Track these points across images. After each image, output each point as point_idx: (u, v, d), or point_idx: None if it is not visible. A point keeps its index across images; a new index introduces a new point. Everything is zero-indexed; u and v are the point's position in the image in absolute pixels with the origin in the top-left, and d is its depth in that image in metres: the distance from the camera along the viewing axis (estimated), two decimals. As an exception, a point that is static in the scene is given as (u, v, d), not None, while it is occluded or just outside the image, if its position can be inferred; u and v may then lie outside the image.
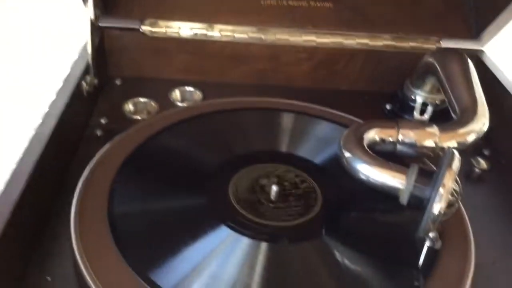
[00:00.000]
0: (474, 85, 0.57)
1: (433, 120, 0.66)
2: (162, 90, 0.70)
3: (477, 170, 0.60)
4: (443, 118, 0.66)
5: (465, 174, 0.60)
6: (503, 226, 0.53)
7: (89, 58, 0.60)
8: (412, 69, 0.71)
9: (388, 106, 0.71)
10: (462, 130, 0.52)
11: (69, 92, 0.56)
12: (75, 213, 0.47)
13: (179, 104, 0.69)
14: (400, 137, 0.51)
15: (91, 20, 0.59)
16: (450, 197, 0.42)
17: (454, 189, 0.42)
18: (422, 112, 0.67)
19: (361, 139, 0.50)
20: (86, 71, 0.61)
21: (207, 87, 0.72)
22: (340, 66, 0.74)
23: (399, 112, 0.69)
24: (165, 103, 0.68)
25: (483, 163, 0.60)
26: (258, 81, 0.75)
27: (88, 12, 0.59)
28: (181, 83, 0.72)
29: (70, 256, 0.45)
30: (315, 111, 0.65)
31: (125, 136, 0.57)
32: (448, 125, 0.53)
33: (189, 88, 0.71)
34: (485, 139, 0.64)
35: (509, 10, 0.66)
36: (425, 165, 0.55)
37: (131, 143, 0.56)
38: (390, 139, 0.51)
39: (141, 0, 0.70)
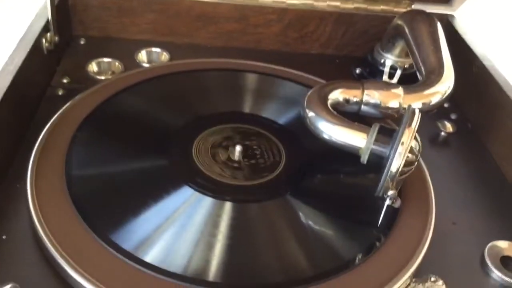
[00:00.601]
0: (442, 47, 0.57)
1: (402, 83, 0.66)
2: (128, 51, 0.68)
3: (443, 133, 0.60)
4: (412, 82, 0.66)
5: (431, 137, 0.60)
6: (465, 188, 0.54)
7: (49, 14, 0.58)
8: (382, 33, 0.71)
9: (357, 70, 0.70)
10: (427, 92, 0.52)
11: (27, 48, 0.54)
12: (32, 172, 0.46)
13: (145, 65, 0.67)
14: (365, 98, 0.51)
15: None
16: (409, 154, 0.41)
17: (413, 147, 0.42)
18: (391, 75, 0.66)
19: (325, 98, 0.49)
20: (46, 28, 0.59)
21: (174, 48, 0.70)
22: (310, 28, 0.73)
23: (369, 76, 0.69)
24: (131, 64, 0.66)
25: (449, 126, 0.61)
26: (226, 43, 0.73)
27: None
28: (148, 44, 0.70)
29: (27, 216, 0.44)
30: (280, 73, 0.64)
31: (86, 95, 0.55)
32: (413, 86, 0.53)
33: (156, 49, 0.70)
34: (452, 103, 0.64)
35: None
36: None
37: (92, 102, 0.54)
38: (355, 99, 0.51)
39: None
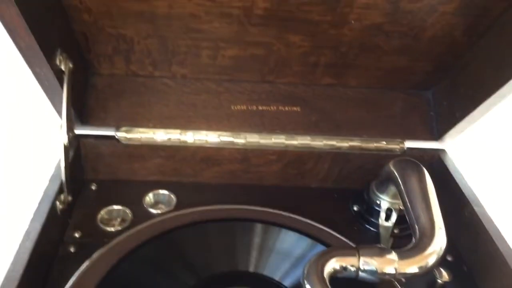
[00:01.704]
0: (432, 203, 0.60)
1: (398, 223, 0.70)
2: (136, 195, 0.72)
3: (439, 281, 0.62)
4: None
5: (428, 285, 0.63)
6: None
7: (63, 177, 0.62)
8: (378, 168, 0.74)
9: (355, 208, 0.74)
10: (419, 257, 0.55)
11: (42, 217, 0.58)
12: None
13: (152, 210, 0.71)
14: (362, 265, 0.54)
15: (64, 144, 0.61)
16: None
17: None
18: (388, 217, 0.70)
19: (323, 271, 0.52)
20: (60, 190, 0.63)
21: (180, 187, 0.74)
22: (309, 166, 0.77)
23: (366, 215, 0.72)
24: (139, 209, 0.70)
25: (445, 275, 0.63)
26: (230, 180, 0.77)
27: (62, 135, 0.61)
28: (155, 185, 0.74)
29: None
30: (286, 221, 0.66)
31: (91, 265, 0.57)
32: (406, 250, 0.55)
33: (163, 192, 0.74)
34: (448, 243, 0.67)
35: (467, 120, 0.69)
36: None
37: (99, 270, 0.57)
38: (352, 268, 0.53)
39: (116, 109, 0.72)
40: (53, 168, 0.66)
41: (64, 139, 0.61)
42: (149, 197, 0.73)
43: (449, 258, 0.66)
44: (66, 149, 0.61)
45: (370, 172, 0.76)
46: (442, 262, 0.64)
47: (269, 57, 0.69)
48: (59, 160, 0.64)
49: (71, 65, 0.61)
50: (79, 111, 0.71)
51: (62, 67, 0.60)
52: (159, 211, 0.71)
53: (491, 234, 0.62)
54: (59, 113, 0.63)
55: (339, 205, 0.76)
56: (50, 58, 0.57)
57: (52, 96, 0.63)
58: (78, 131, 0.71)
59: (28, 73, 0.59)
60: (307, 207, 0.70)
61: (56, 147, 0.63)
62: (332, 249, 0.55)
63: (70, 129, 0.62)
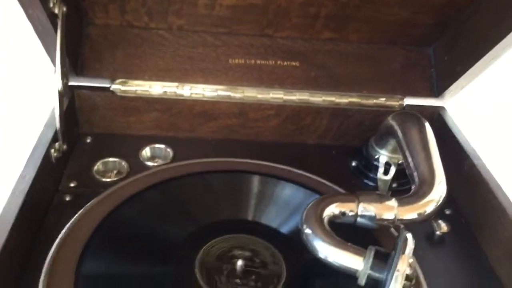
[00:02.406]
0: (432, 153, 0.59)
1: (396, 177, 0.69)
2: (133, 148, 0.71)
3: (438, 232, 0.62)
4: (406, 176, 0.69)
5: (426, 236, 0.62)
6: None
7: (57, 125, 0.61)
8: (377, 124, 0.74)
9: (353, 163, 0.73)
10: (420, 203, 0.54)
11: (37, 163, 0.57)
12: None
13: (149, 163, 0.70)
14: (360, 210, 0.53)
15: (58, 90, 0.59)
16: (404, 281, 0.43)
17: (408, 274, 0.44)
18: (386, 171, 0.69)
19: (321, 215, 0.51)
20: (54, 138, 0.61)
21: (178, 143, 0.73)
22: (307, 121, 0.76)
23: (364, 170, 0.71)
24: (135, 162, 0.69)
25: (443, 226, 0.62)
26: (227, 135, 0.76)
27: (55, 81, 0.59)
28: (151, 140, 0.73)
29: None
30: (283, 173, 0.66)
31: (90, 209, 0.57)
32: (407, 197, 0.55)
33: (160, 145, 0.72)
34: (446, 198, 0.67)
35: (466, 75, 0.69)
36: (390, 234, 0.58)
37: (99, 214, 0.56)
38: (350, 213, 0.53)
39: (111, 60, 0.71)
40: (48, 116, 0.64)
41: (58, 84, 0.59)
42: (146, 151, 0.72)
43: (447, 212, 0.66)
44: (60, 95, 0.60)
45: (369, 129, 0.76)
46: (440, 215, 0.64)
47: (268, 7, 0.68)
48: (54, 108, 0.63)
49: (65, 9, 0.59)
50: (74, 62, 0.69)
51: (56, 11, 0.58)
52: (155, 165, 0.70)
53: (491, 185, 0.61)
54: (53, 60, 0.62)
55: (337, 161, 0.75)
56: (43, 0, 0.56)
57: (46, 42, 0.62)
58: (73, 83, 0.70)
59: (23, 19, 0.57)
60: (305, 163, 0.70)
61: (51, 95, 0.61)
62: (332, 194, 0.55)
63: (64, 75, 0.60)
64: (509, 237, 0.57)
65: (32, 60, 0.80)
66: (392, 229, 0.59)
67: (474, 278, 0.58)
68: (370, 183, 0.71)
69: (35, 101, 0.79)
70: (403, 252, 0.44)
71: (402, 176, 0.69)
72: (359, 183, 0.71)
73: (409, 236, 0.46)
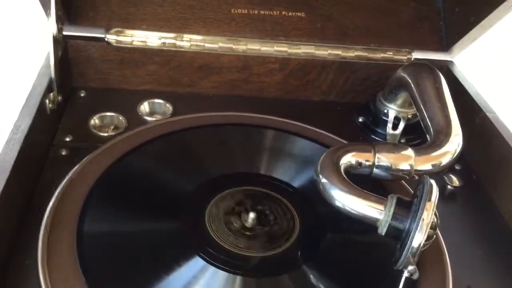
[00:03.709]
0: (448, 103, 0.57)
1: (405, 133, 0.67)
2: (130, 103, 0.67)
3: (449, 187, 0.60)
4: (415, 132, 0.67)
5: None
6: (476, 247, 0.54)
7: (52, 74, 0.57)
8: (383, 80, 0.71)
9: (360, 119, 0.71)
10: (436, 153, 0.52)
11: (32, 113, 0.53)
12: (43, 244, 0.45)
13: (148, 118, 0.66)
14: (377, 161, 0.51)
15: (53, 34, 0.55)
16: (430, 230, 0.41)
17: (433, 222, 0.42)
18: (395, 126, 0.67)
19: (338, 164, 0.49)
20: (49, 88, 0.58)
21: (177, 98, 0.70)
22: (312, 76, 0.73)
23: (372, 125, 0.69)
24: (133, 117, 0.66)
25: (455, 180, 0.61)
26: (229, 91, 0.73)
27: (50, 25, 0.55)
28: (149, 95, 0.69)
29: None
30: (294, 128, 0.63)
31: (94, 158, 0.54)
32: (423, 147, 0.53)
33: (158, 101, 0.69)
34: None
35: (479, 26, 0.66)
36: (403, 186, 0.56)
37: (100, 166, 0.53)
38: (367, 163, 0.51)
39: (106, 8, 0.67)
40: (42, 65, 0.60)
41: (53, 28, 0.55)
42: (144, 106, 0.68)
43: (457, 167, 0.64)
44: (55, 41, 0.56)
45: (375, 85, 0.73)
46: (450, 170, 0.63)
47: (274, -48, 0.64)
48: (48, 55, 0.59)
49: None
50: (67, 9, 0.65)
51: None
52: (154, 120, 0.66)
53: (505, 137, 0.59)
54: (47, 5, 0.57)
55: (343, 117, 0.72)
56: None
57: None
58: (65, 32, 0.65)
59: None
60: (310, 119, 0.67)
61: (44, 42, 0.57)
62: (348, 144, 0.52)
63: (59, 19, 0.56)
64: (525, 189, 0.55)
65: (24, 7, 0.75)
66: (404, 182, 0.58)
67: (488, 232, 0.56)
68: (378, 139, 0.68)
69: (28, 49, 0.74)
70: (429, 200, 0.42)
71: (411, 132, 0.67)
72: (367, 139, 0.69)
73: (434, 183, 0.43)
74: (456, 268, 0.49)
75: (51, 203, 0.48)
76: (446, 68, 0.73)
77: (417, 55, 0.73)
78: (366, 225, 0.46)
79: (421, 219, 0.41)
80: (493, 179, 0.61)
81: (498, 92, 0.71)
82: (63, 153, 0.58)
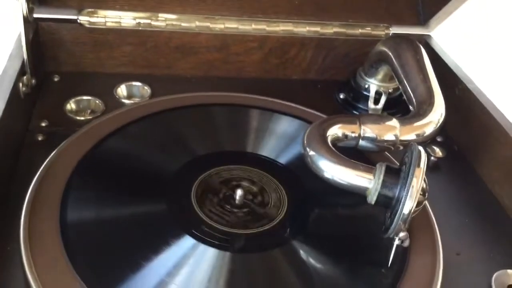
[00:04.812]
0: (429, 74, 0.57)
1: (386, 108, 0.67)
2: (106, 86, 0.65)
3: (433, 158, 0.61)
4: (396, 106, 0.67)
5: (421, 162, 0.61)
6: (462, 216, 0.54)
7: (25, 55, 0.55)
8: (362, 56, 0.71)
9: (341, 96, 0.70)
10: (420, 123, 0.52)
11: (5, 97, 0.51)
12: (24, 229, 0.43)
13: (126, 101, 0.64)
14: (362, 132, 0.51)
15: (23, 15, 0.53)
16: (420, 196, 0.41)
17: (423, 187, 0.42)
18: (376, 101, 0.67)
19: (324, 136, 0.49)
20: (22, 71, 0.55)
21: (154, 80, 0.68)
22: (291, 54, 0.72)
23: (353, 101, 0.69)
24: (111, 100, 0.64)
25: (438, 151, 0.61)
26: (207, 72, 0.71)
27: (20, 5, 0.53)
28: (125, 78, 0.67)
29: (22, 277, 0.41)
30: (276, 106, 0.63)
31: (74, 140, 0.52)
32: (407, 118, 0.53)
33: (136, 83, 0.67)
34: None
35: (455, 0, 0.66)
36: (385, 158, 0.55)
37: (81, 148, 0.52)
38: (353, 134, 0.50)
39: (77, -12, 0.65)
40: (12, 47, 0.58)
41: (23, 8, 0.53)
42: (121, 89, 0.66)
43: (438, 139, 0.64)
44: (26, 21, 0.53)
45: (354, 61, 0.73)
46: (432, 142, 0.63)
47: None
48: (17, 39, 0.56)
49: None
50: (36, -10, 0.62)
51: None
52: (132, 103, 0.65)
53: (486, 106, 0.60)
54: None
55: (323, 95, 0.72)
56: None
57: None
58: (36, 15, 0.63)
59: None
60: (290, 98, 0.66)
61: (14, 22, 0.55)
62: (333, 116, 0.51)
63: (29, -1, 0.54)
64: (509, 157, 0.56)
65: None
66: (388, 154, 0.57)
67: (474, 201, 0.56)
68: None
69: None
70: (418, 165, 0.41)
71: (391, 106, 0.67)
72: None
73: (422, 150, 0.43)
74: (444, 236, 0.49)
75: (30, 189, 0.46)
76: (424, 42, 0.73)
77: (395, 30, 0.73)
78: (354, 197, 0.46)
79: (411, 185, 0.41)
80: (474, 149, 0.62)
81: (475, 64, 0.72)
82: (39, 138, 0.56)
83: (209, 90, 0.66)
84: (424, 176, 0.42)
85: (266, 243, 0.46)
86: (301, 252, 0.46)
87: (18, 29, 0.53)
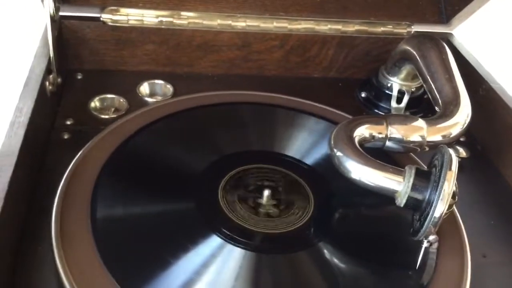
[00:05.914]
0: (454, 74, 0.57)
1: (407, 107, 0.67)
2: (129, 84, 0.66)
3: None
4: (418, 105, 0.67)
5: (445, 162, 0.60)
6: (488, 217, 0.54)
7: (51, 54, 0.55)
8: (384, 54, 0.71)
9: (363, 94, 0.70)
10: (447, 124, 0.52)
11: (33, 96, 0.51)
12: (56, 228, 0.43)
13: (149, 99, 0.65)
14: (389, 133, 0.50)
15: (50, 14, 0.53)
16: (450, 199, 0.41)
17: (453, 191, 0.42)
18: (399, 100, 0.66)
19: (351, 136, 0.48)
20: (48, 70, 0.55)
21: (176, 79, 0.68)
22: (313, 52, 0.72)
23: (375, 100, 0.69)
24: (134, 98, 0.64)
25: (462, 151, 0.61)
26: (228, 70, 0.71)
27: (47, 4, 0.53)
28: (148, 76, 0.68)
29: (54, 274, 0.42)
30: (303, 106, 0.62)
31: (101, 139, 0.53)
32: (433, 119, 0.53)
33: (158, 81, 0.67)
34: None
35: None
36: (410, 159, 0.55)
37: (108, 147, 0.52)
38: (380, 135, 0.50)
39: (100, -14, 0.65)
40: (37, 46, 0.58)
41: (50, 8, 0.53)
42: (144, 87, 0.66)
43: (462, 139, 0.64)
44: (52, 19, 0.54)
45: (376, 59, 0.73)
46: (457, 142, 0.63)
47: None
48: (43, 36, 0.56)
49: None
50: (59, -12, 0.62)
51: None
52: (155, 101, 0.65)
53: (511, 106, 0.59)
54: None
55: (344, 93, 0.72)
56: None
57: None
58: (60, 12, 0.63)
59: None
60: (312, 96, 0.66)
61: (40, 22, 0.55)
62: (360, 117, 0.51)
63: (55, -2, 0.54)
64: (533, 157, 0.56)
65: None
66: (413, 155, 0.57)
67: (498, 201, 0.56)
68: (381, 113, 0.68)
69: (21, 30, 0.71)
70: (450, 169, 0.41)
71: (414, 105, 0.67)
72: (370, 114, 0.68)
73: (453, 153, 0.43)
74: (471, 237, 0.49)
75: (59, 188, 0.47)
76: (446, 41, 0.73)
77: (416, 28, 0.72)
78: (380, 198, 0.46)
79: (443, 189, 0.41)
80: (498, 149, 0.61)
81: (498, 64, 0.71)
82: (65, 136, 0.57)
83: (230, 89, 0.66)
84: (455, 179, 0.41)
85: (293, 244, 0.46)
86: (328, 253, 0.46)
87: (44, 28, 0.53)
